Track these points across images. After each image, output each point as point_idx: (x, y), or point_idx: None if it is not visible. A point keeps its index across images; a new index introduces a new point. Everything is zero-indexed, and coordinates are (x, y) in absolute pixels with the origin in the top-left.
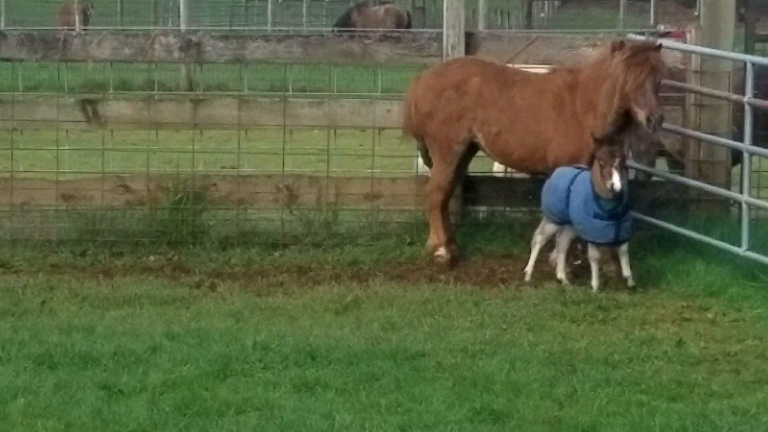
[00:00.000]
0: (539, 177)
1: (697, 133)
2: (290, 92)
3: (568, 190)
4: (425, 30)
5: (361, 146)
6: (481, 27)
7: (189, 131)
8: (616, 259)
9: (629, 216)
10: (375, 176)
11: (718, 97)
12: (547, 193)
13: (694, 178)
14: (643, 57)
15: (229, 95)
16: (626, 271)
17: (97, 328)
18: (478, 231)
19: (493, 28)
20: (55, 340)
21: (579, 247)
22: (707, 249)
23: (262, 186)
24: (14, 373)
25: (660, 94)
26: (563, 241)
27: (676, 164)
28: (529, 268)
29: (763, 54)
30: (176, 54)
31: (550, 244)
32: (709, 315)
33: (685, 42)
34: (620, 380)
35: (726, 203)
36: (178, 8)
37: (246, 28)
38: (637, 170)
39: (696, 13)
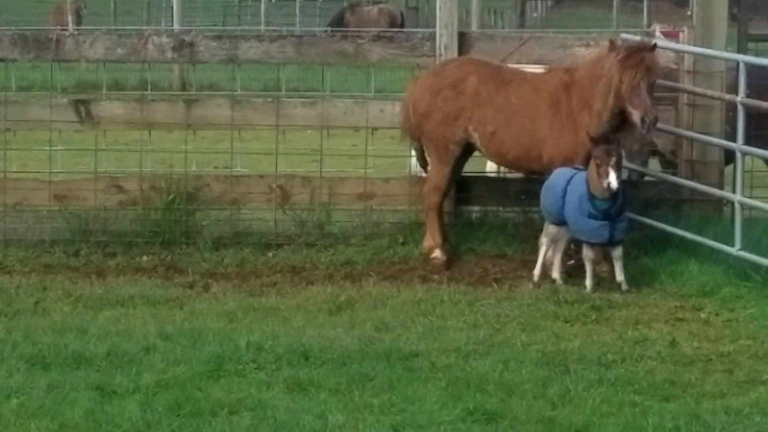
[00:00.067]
0: (532, 177)
1: (690, 133)
2: (283, 92)
3: (565, 191)
4: (418, 30)
5: (354, 146)
6: (474, 27)
7: (182, 131)
8: (609, 260)
9: (624, 217)
10: (368, 176)
11: (711, 97)
12: (545, 194)
13: (687, 178)
14: (638, 58)
15: (222, 95)
16: (620, 276)
17: (90, 328)
18: (471, 231)
19: (486, 27)
20: (48, 341)
21: (572, 247)
22: (700, 249)
23: (255, 186)
24: (7, 374)
25: (654, 94)
26: (559, 242)
27: (669, 164)
28: (536, 270)
29: (756, 54)
30: (169, 54)
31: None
32: (703, 315)
33: (678, 42)
34: (613, 380)
35: (719, 203)
36: (171, 8)
37: (239, 28)
38: (630, 170)
39: (689, 13)
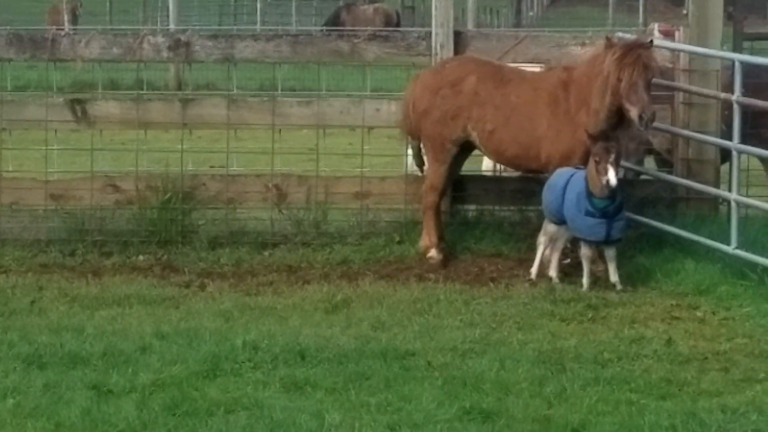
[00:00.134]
0: (528, 176)
1: (686, 132)
2: (279, 91)
3: (564, 189)
4: (414, 29)
5: (351, 145)
6: (470, 26)
7: (178, 131)
8: (604, 259)
9: (622, 216)
10: (364, 175)
11: (707, 96)
12: (546, 193)
13: (683, 177)
14: (635, 55)
15: (218, 94)
16: (614, 277)
17: (86, 327)
18: (467, 230)
19: (482, 26)
20: (44, 340)
21: (569, 245)
22: (696, 247)
23: (251, 185)
24: (3, 374)
25: (651, 91)
26: (558, 240)
27: (665, 163)
28: (533, 269)
29: (751, 52)
30: (165, 53)
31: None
32: (699, 313)
33: (673, 40)
34: (610, 379)
35: (715, 201)
36: (167, 7)
37: (235, 27)
38: (626, 169)
39: (684, 12)
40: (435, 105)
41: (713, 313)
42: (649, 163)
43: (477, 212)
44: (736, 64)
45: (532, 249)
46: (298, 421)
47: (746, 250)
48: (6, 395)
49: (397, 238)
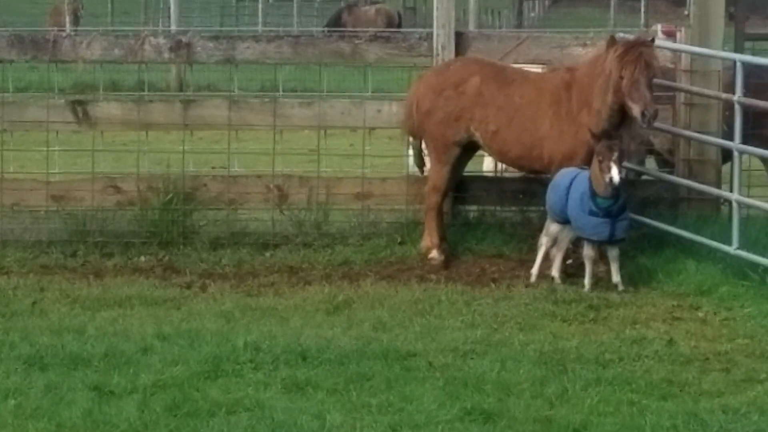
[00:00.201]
0: (529, 177)
1: (688, 132)
2: (280, 92)
3: (568, 189)
4: (415, 30)
5: (352, 146)
6: (471, 26)
7: (179, 132)
8: (606, 259)
9: (626, 215)
10: (365, 176)
11: (708, 96)
12: (549, 193)
13: (684, 177)
14: (637, 53)
15: (219, 96)
16: (616, 277)
17: (87, 329)
18: (468, 230)
19: (483, 27)
20: (45, 341)
21: (570, 246)
22: (698, 248)
23: (252, 186)
24: (5, 375)
25: (653, 89)
26: (562, 241)
27: (666, 163)
28: (534, 270)
29: (753, 53)
30: (166, 55)
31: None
32: (700, 314)
33: (674, 40)
34: (611, 379)
35: (716, 202)
36: (169, 9)
37: (236, 28)
38: (628, 169)
39: (686, 12)
40: (438, 106)
41: (715, 313)
42: (650, 163)
43: (478, 213)
44: (738, 64)
45: (534, 250)
46: (300, 422)
47: (748, 251)
48: (7, 396)
49: (399, 239)
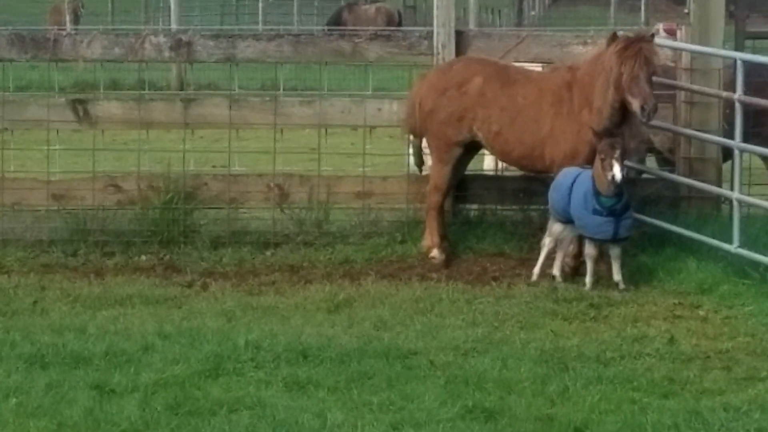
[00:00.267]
0: (530, 175)
1: (688, 131)
2: (281, 91)
3: (571, 188)
4: (416, 28)
5: (353, 145)
6: (471, 25)
7: (180, 131)
8: (607, 258)
9: (629, 214)
10: (366, 175)
11: (709, 95)
12: (552, 192)
13: (685, 176)
14: (637, 48)
15: (219, 94)
16: (617, 276)
17: (88, 327)
18: (469, 229)
19: (483, 26)
20: (46, 340)
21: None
22: (698, 246)
23: (253, 185)
24: (6, 374)
25: (653, 84)
26: (565, 239)
27: (666, 162)
28: (536, 270)
29: (754, 51)
30: (167, 53)
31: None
32: (701, 312)
33: (675, 39)
34: (612, 378)
35: (717, 200)
36: (169, 7)
37: (236, 27)
38: (629, 168)
39: (686, 11)
40: (441, 106)
41: (715, 311)
42: (651, 162)
43: (479, 211)
44: (738, 62)
45: (534, 248)
46: (301, 421)
47: (748, 249)
48: (8, 395)
49: (400, 238)
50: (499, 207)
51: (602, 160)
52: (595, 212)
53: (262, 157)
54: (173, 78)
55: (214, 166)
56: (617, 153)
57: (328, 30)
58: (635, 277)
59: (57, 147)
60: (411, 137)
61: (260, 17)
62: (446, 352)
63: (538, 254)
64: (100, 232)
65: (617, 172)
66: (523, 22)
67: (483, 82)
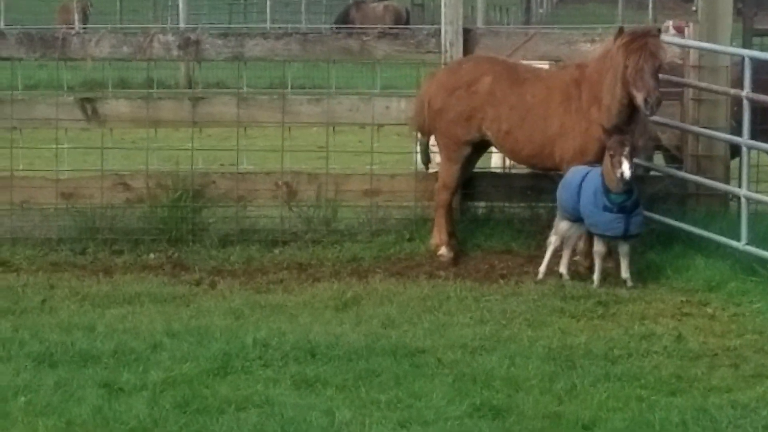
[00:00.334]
0: (537, 173)
1: (696, 128)
2: (289, 89)
3: (580, 186)
4: (423, 26)
5: (360, 143)
6: (479, 23)
7: (188, 129)
8: (615, 255)
9: (639, 211)
10: (374, 173)
11: (717, 92)
12: (561, 190)
13: (692, 173)
14: (642, 42)
15: (228, 93)
16: (625, 273)
17: (97, 326)
18: (477, 227)
19: (491, 24)
20: (55, 339)
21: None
22: (706, 243)
23: (261, 183)
24: (15, 372)
25: (660, 87)
26: (572, 237)
27: (673, 159)
28: (542, 268)
29: (761, 48)
30: (175, 52)
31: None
32: (709, 310)
33: (683, 36)
34: (620, 375)
35: (725, 197)
36: (177, 6)
37: (245, 25)
38: (637, 165)
39: (694, 8)
40: (450, 105)
41: (723, 309)
42: (658, 159)
43: (487, 209)
44: (746, 59)
45: (542, 246)
46: (309, 419)
47: (756, 246)
48: (17, 393)
49: (407, 236)
50: (507, 204)
51: (612, 157)
52: (606, 209)
53: (270, 155)
54: (182, 76)
55: (222, 165)
56: (626, 150)
57: (336, 28)
58: (643, 274)
59: (66, 146)
60: (419, 135)
61: (268, 15)
62: (454, 349)
63: (545, 252)
64: (108, 231)
65: (626, 169)
66: (531, 20)
67: (492, 81)
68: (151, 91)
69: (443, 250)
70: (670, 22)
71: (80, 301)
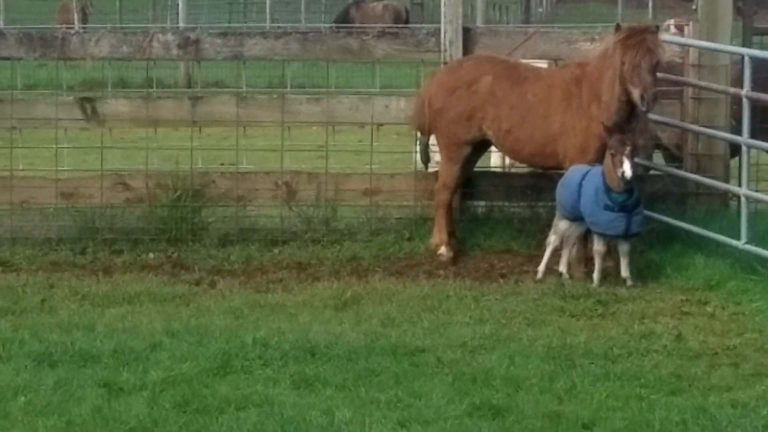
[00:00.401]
0: (537, 172)
1: (696, 127)
2: (288, 89)
3: (580, 185)
4: (423, 26)
5: (360, 142)
6: (479, 22)
7: (188, 128)
8: (615, 254)
9: (640, 210)
10: (373, 172)
11: (716, 91)
12: (560, 189)
13: (692, 172)
14: (640, 38)
15: (227, 92)
16: (625, 272)
17: (97, 325)
18: (477, 226)
19: (491, 23)
20: (55, 338)
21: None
22: (706, 242)
23: (261, 183)
24: (14, 372)
25: (660, 85)
26: (571, 236)
27: (673, 158)
28: (541, 267)
29: (761, 47)
30: (174, 51)
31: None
32: (709, 308)
33: (683, 35)
34: (620, 374)
35: (724, 196)
36: (177, 6)
37: (244, 24)
38: (637, 164)
39: (694, 7)
40: (450, 105)
41: (723, 308)
42: (658, 158)
43: (487, 208)
44: (746, 58)
45: (542, 245)
46: (309, 418)
47: (756, 245)
48: (17, 393)
49: (407, 235)
50: (506, 204)
51: (613, 156)
52: (607, 208)
53: (269, 155)
54: (181, 76)
55: (221, 164)
56: (628, 150)
57: (336, 27)
58: (643, 273)
59: (65, 145)
60: (419, 135)
61: (268, 15)
62: (454, 349)
63: (545, 251)
64: (108, 230)
65: (627, 168)
66: (531, 19)
67: (493, 80)
68: (150, 90)
69: (443, 250)
70: (672, 21)
71: (80, 300)
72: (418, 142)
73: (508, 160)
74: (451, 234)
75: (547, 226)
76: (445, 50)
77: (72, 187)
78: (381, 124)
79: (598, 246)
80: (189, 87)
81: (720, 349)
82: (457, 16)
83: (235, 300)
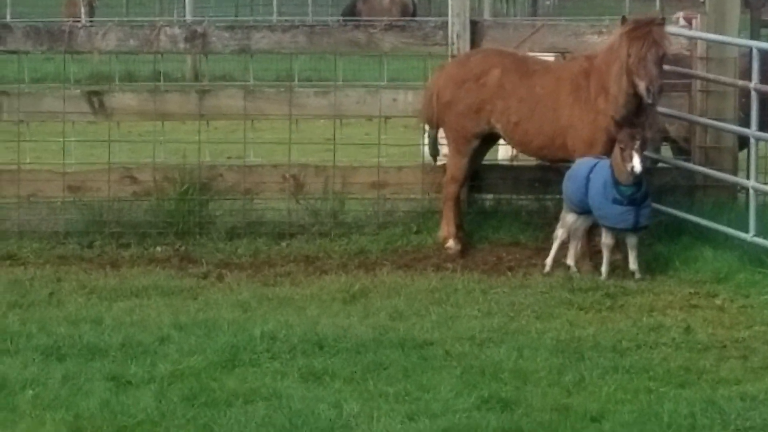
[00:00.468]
0: (545, 165)
1: (704, 120)
2: (296, 82)
3: (588, 178)
4: (430, 19)
5: (367, 135)
6: (486, 15)
7: (195, 122)
8: (623, 247)
9: (649, 203)
10: (381, 165)
11: (724, 83)
12: (567, 182)
13: (700, 165)
14: (646, 30)
15: (234, 86)
16: (633, 265)
17: (104, 319)
18: (484, 219)
19: (498, 16)
20: (63, 332)
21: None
22: (714, 235)
23: (268, 176)
24: (23, 365)
25: (667, 78)
26: (579, 229)
27: (681, 151)
28: (549, 260)
29: None
30: (181, 45)
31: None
32: (717, 301)
33: (691, 28)
34: (628, 367)
35: (733, 189)
36: None
37: (251, 18)
38: (645, 157)
39: (702, 0)
40: (459, 98)
41: (732, 300)
42: (666, 151)
43: (494, 201)
44: (754, 51)
45: (550, 238)
46: (317, 411)
47: (764, 238)
48: (25, 387)
49: (415, 228)
50: (514, 197)
51: (622, 150)
52: (615, 201)
53: (277, 148)
54: (188, 69)
55: (229, 158)
56: (637, 144)
57: (343, 20)
58: (651, 266)
59: (72, 139)
60: (427, 127)
61: (275, 8)
62: (462, 342)
63: (552, 244)
64: (115, 224)
65: (637, 164)
66: (538, 12)
67: (501, 73)
68: (157, 84)
69: (451, 243)
70: (681, 13)
71: (88, 294)
72: (426, 135)
73: (511, 153)
74: (459, 227)
75: (555, 218)
76: (453, 43)
77: (79, 180)
78: (388, 117)
79: (606, 239)
80: (196, 80)
81: (729, 341)
82: (464, 9)
83: (242, 293)
